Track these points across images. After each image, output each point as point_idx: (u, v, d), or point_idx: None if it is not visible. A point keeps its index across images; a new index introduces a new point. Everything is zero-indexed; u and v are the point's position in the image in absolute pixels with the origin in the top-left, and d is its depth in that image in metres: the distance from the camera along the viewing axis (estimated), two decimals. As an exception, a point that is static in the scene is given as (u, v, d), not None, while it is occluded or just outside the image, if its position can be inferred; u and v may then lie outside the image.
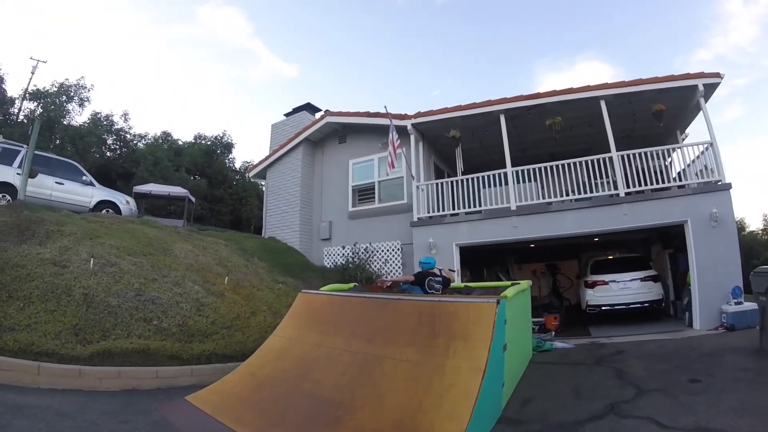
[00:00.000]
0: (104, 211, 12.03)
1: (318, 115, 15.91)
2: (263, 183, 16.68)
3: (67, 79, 28.67)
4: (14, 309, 5.88)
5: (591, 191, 10.26)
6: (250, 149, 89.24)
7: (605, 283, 10.91)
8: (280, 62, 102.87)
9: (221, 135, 34.87)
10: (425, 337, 4.43)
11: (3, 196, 10.92)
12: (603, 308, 10.83)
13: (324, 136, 14.76)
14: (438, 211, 11.74)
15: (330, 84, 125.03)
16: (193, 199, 19.96)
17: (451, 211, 11.52)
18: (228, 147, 35.24)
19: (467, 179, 11.45)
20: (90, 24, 70.26)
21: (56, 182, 11.71)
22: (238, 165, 35.97)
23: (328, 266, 13.00)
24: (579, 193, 10.43)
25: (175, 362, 5.95)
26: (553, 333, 9.90)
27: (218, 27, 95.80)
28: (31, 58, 30.14)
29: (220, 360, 6.31)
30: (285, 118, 17.04)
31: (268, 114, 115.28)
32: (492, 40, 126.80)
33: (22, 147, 11.78)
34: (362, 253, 12.18)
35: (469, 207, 11.30)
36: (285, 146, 15.17)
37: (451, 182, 11.83)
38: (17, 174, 10.91)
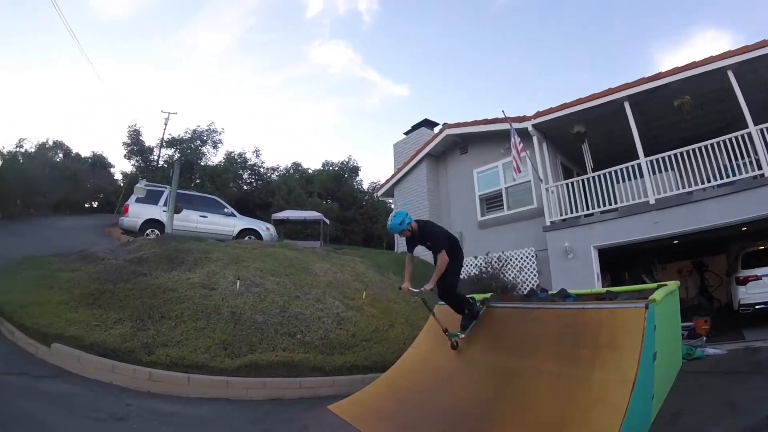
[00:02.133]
0: (247, 238, 14.94)
1: (436, 129, 17.82)
2: (391, 201, 19.10)
3: (198, 125, 35.20)
4: (166, 328, 7.26)
5: (732, 174, 10.03)
6: (375, 170, 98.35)
7: (758, 278, 10.43)
8: (391, 84, 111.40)
9: (347, 160, 40.41)
10: (568, 348, 4.56)
11: (152, 230, 14.40)
12: (757, 307, 10.32)
13: (445, 149, 16.43)
14: (571, 212, 12.17)
15: (441, 97, 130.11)
16: (327, 221, 22.93)
17: (585, 212, 11.86)
18: (354, 170, 40.46)
19: (598, 176, 11.73)
20: (214, 76, 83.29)
21: (200, 215, 15.02)
22: (365, 186, 40.66)
23: (462, 277, 14.20)
24: (720, 178, 10.20)
25: (317, 373, 6.86)
26: (704, 338, 9.59)
27: (329, 62, 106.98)
28: (162, 111, 37.96)
29: (361, 371, 7.14)
30: (405, 136, 19.38)
31: (388, 135, 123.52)
32: (599, 31, 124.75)
33: (165, 188, 15.47)
34: (495, 262, 12.91)
35: (604, 205, 11.59)
36: (408, 164, 17.13)
37: (582, 181, 12.15)
38: (163, 211, 14.42)
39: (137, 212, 14.76)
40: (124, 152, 34.98)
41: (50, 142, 39.83)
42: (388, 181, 18.29)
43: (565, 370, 4.38)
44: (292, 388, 6.51)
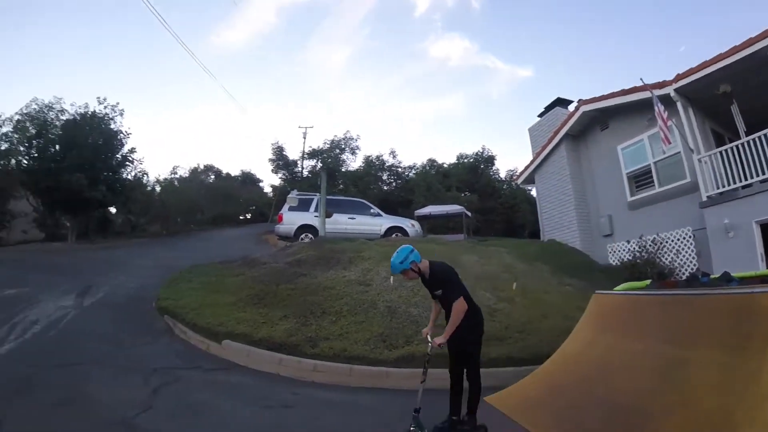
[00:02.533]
0: (394, 236, 15.67)
1: (571, 107, 17.01)
2: (530, 188, 18.85)
3: (335, 135, 37.31)
4: (327, 322, 7.86)
5: None
6: (512, 158, 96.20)
7: None
8: (513, 68, 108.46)
9: (481, 151, 40.66)
10: (735, 337, 4.18)
11: (306, 235, 15.72)
12: None
13: (583, 127, 15.56)
14: (727, 185, 10.92)
15: (571, 72, 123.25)
16: (468, 213, 23.39)
17: (743, 183, 10.56)
18: (490, 160, 40.48)
19: (753, 140, 10.38)
20: (342, 87, 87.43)
21: (349, 218, 16.10)
22: (502, 175, 40.39)
23: (614, 264, 13.37)
24: None
25: None
26: None
27: (447, 55, 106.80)
28: (299, 127, 41.41)
29: (516, 363, 7.05)
30: (538, 119, 18.70)
31: (520, 120, 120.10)
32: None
33: (314, 195, 16.74)
34: (650, 245, 12.09)
35: (763, 173, 10.20)
36: (546, 147, 16.52)
37: (736, 147, 10.81)
38: (314, 216, 15.75)
39: (291, 219, 16.27)
40: (271, 167, 38.28)
41: (201, 166, 44.91)
42: (526, 167, 17.80)
43: (731, 362, 3.98)
44: (448, 379, 6.40)
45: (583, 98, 15.29)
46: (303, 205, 16.58)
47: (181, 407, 5.13)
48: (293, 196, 17.00)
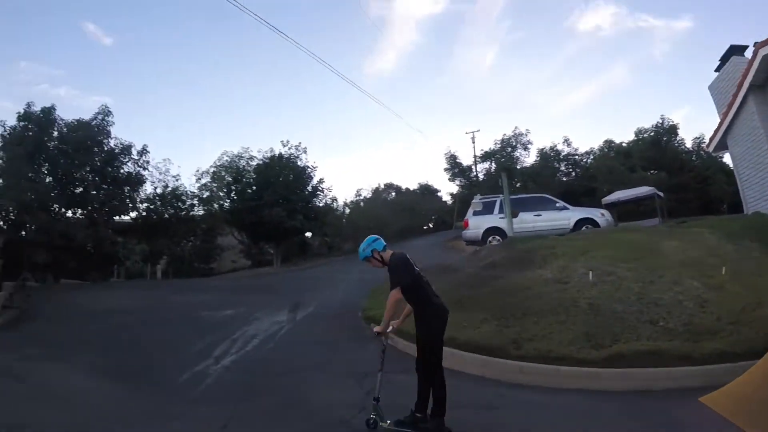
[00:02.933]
0: (584, 228, 14.82)
1: (748, 53, 14.14)
2: (722, 155, 16.83)
3: (504, 133, 36.66)
4: (529, 323, 7.56)
5: None
6: (697, 124, 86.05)
7: None
8: (670, 22, 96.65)
9: (660, 122, 36.56)
10: None
11: (493, 237, 15.48)
12: None
13: None
14: None
15: (736, 12, 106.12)
16: (660, 194, 21.30)
17: None
18: (672, 131, 36.20)
19: None
20: (498, 85, 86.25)
21: (535, 215, 15.54)
22: (689, 145, 36.00)
23: None
24: None
25: (684, 362, 6.32)
26: None
27: (597, 26, 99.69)
28: (466, 133, 43.19)
29: (730, 359, 6.31)
30: (717, 74, 16.06)
31: (697, 78, 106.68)
32: None
33: (497, 197, 16.40)
34: None
35: None
36: (732, 105, 14.27)
37: None
38: (500, 218, 15.51)
39: (477, 224, 16.20)
40: (448, 176, 38.78)
41: (382, 186, 47.24)
42: (715, 132, 15.58)
43: None
44: (660, 379, 6.16)
45: (759, 40, 12.78)
46: (487, 209, 16.42)
47: (393, 408, 5.32)
48: (477, 200, 16.90)
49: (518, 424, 4.99)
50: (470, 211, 16.87)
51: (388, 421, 4.69)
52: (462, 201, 35.02)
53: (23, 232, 18.73)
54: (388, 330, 5.03)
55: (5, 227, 18.11)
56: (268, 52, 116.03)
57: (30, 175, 18.44)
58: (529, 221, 15.49)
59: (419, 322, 4.85)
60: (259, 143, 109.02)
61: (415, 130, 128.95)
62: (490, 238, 15.64)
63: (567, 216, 15.62)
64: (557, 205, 16.03)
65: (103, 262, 21.41)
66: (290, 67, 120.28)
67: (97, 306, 12.93)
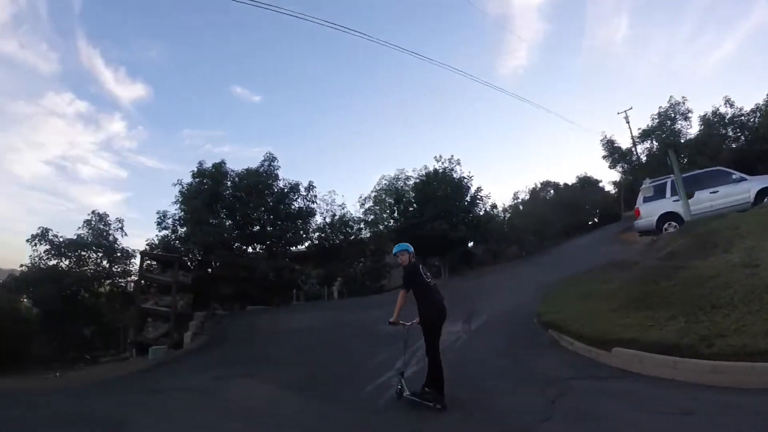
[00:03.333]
0: (766, 200, 13.10)
1: None
2: None
3: (660, 107, 33.36)
4: (720, 316, 6.74)
5: None
6: None
7: None
8: None
9: None
10: None
11: (669, 224, 14.18)
12: None
13: None
14: None
15: None
16: None
17: None
18: None
19: None
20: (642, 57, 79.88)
21: (710, 192, 13.95)
22: None
23: None
24: None
25: None
26: None
27: None
28: (617, 113, 39.80)
29: None
30: None
31: None
32: None
33: (667, 178, 15.08)
34: None
35: None
36: None
37: None
38: (674, 201, 14.17)
39: (650, 211, 15.00)
40: (607, 164, 36.23)
41: (538, 185, 45.53)
42: None
43: None
44: None
45: None
46: (658, 192, 15.06)
47: (579, 416, 5.18)
48: (647, 185, 15.61)
49: (714, 430, 4.51)
50: (640, 197, 15.66)
51: (407, 393, 6.48)
52: (627, 188, 32.67)
53: (209, 269, 21.13)
54: (408, 323, 6.93)
55: (193, 266, 20.41)
56: (405, 75, 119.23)
57: (211, 221, 21.01)
58: (705, 200, 13.93)
59: (419, 314, 6.67)
60: (412, 163, 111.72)
61: (566, 120, 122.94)
62: (666, 225, 14.33)
63: (746, 188, 13.70)
64: (733, 177, 14.11)
65: (283, 288, 23.45)
66: (430, 86, 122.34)
67: (280, 327, 14.05)
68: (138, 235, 45.80)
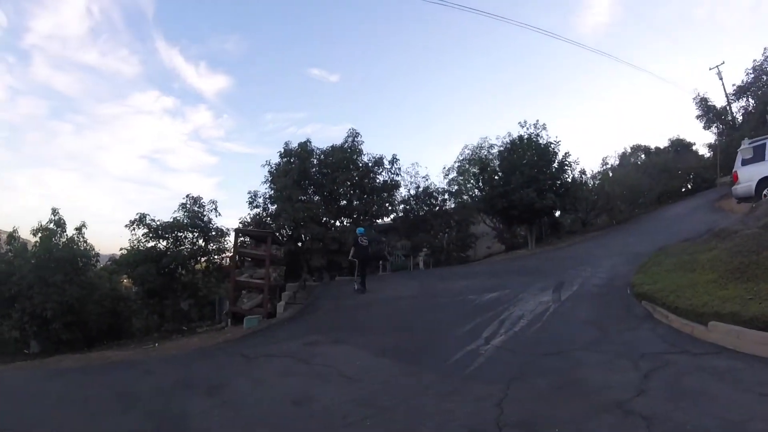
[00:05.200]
0: None
1: None
2: None
3: (754, 60, 29.96)
4: None
5: None
6: None
7: None
8: None
9: None
10: None
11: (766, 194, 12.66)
12: None
13: None
14: None
15: None
16: None
17: None
18: None
19: None
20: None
21: None
22: None
23: None
24: None
25: None
26: None
27: None
28: (709, 69, 35.87)
29: None
30: None
31: None
32: None
33: (767, 138, 13.71)
34: None
35: None
36: None
37: None
38: None
39: (749, 175, 13.70)
40: (702, 124, 33.75)
41: (628, 149, 42.85)
42: None
43: None
44: None
45: None
46: (758, 155, 13.59)
47: (674, 392, 4.98)
48: (746, 145, 14.19)
49: None
50: (738, 160, 14.37)
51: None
52: (723, 152, 30.24)
53: (300, 243, 21.92)
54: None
55: (285, 240, 21.06)
56: (484, 40, 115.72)
57: (300, 197, 21.74)
58: None
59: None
60: (496, 130, 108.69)
61: (654, 77, 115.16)
62: (766, 191, 12.99)
63: None
64: None
65: (372, 259, 23.60)
66: (510, 49, 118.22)
67: (370, 297, 14.26)
68: (231, 216, 47.98)
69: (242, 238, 18.12)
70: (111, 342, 17.51)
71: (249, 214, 22.96)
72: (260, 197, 22.91)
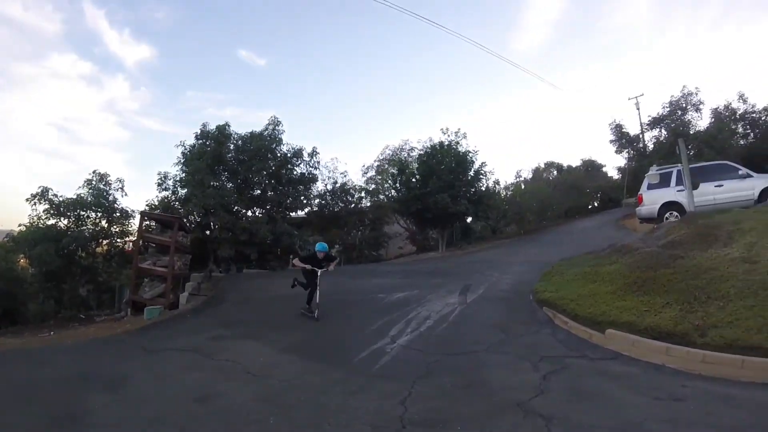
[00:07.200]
0: None
1: None
2: None
3: (672, 96, 32.81)
4: (714, 308, 6.87)
5: None
6: None
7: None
8: None
9: None
10: None
11: (670, 213, 14.23)
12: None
13: None
14: None
15: None
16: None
17: None
18: None
19: None
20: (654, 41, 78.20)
21: (716, 186, 13.86)
22: None
23: None
24: None
25: None
26: None
27: None
28: (629, 99, 38.48)
29: None
30: None
31: None
32: None
33: (673, 167, 14.99)
34: None
35: None
36: None
37: None
38: (677, 191, 14.15)
39: (653, 198, 15.01)
40: (614, 148, 36.06)
41: (542, 165, 45.53)
42: None
43: None
44: None
45: None
46: (663, 181, 15.02)
47: (572, 393, 5.30)
48: (653, 172, 15.58)
49: (702, 417, 4.60)
50: (644, 184, 15.66)
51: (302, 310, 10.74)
52: (631, 175, 32.44)
53: (208, 232, 20.94)
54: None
55: (192, 228, 20.15)
56: (417, 43, 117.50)
57: (212, 183, 20.67)
58: (709, 193, 13.84)
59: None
60: (418, 134, 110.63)
61: (575, 102, 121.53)
62: (668, 214, 14.40)
63: (751, 185, 13.69)
64: (740, 172, 14.07)
65: (281, 252, 23.46)
66: (442, 56, 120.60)
67: (277, 291, 13.92)
68: (138, 197, 45.64)
69: (148, 222, 17.15)
70: (4, 328, 16.04)
71: (157, 196, 21.67)
72: (170, 179, 21.47)
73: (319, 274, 10.52)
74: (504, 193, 32.39)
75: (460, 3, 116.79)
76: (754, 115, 30.22)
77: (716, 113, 30.84)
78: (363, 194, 27.61)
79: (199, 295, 14.86)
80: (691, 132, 30.06)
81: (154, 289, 14.53)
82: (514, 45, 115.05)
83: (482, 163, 26.08)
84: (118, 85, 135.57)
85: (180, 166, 21.29)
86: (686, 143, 28.10)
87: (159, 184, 21.29)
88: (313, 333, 9.51)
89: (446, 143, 26.04)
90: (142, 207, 20.88)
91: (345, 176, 26.80)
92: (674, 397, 5.11)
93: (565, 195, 35.91)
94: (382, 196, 28.17)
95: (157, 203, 21.36)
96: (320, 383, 6.34)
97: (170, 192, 21.42)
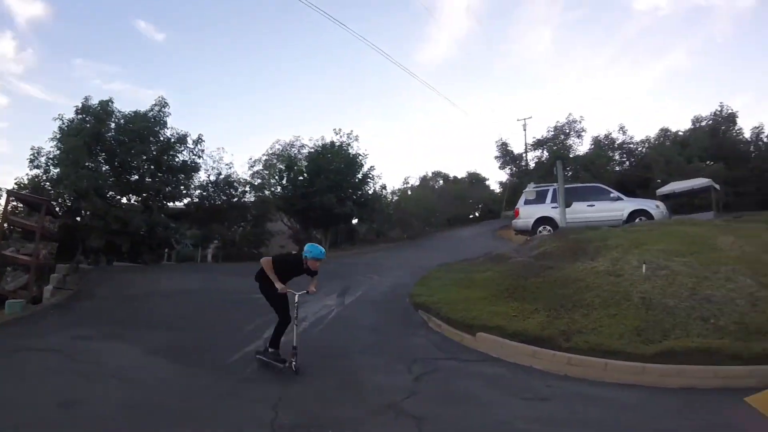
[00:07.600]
0: (638, 220, 14.21)
1: None
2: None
3: (557, 121, 35.42)
4: (579, 315, 7.48)
5: None
6: (758, 112, 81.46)
7: None
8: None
9: (719, 109, 33.98)
10: None
11: (544, 227, 15.10)
12: None
13: None
14: None
15: None
16: (717, 186, 20.17)
17: None
18: (730, 119, 33.65)
19: None
20: (554, 71, 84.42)
21: (588, 205, 14.93)
22: (747, 135, 33.46)
23: None
24: None
25: (735, 362, 6.17)
26: None
27: (656, 4, 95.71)
28: (517, 120, 42.45)
29: None
30: None
31: (760, 62, 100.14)
32: None
33: (550, 186, 16.05)
34: None
35: None
36: None
37: None
38: (552, 207, 15.09)
39: (529, 213, 15.81)
40: (498, 164, 38.13)
41: (429, 174, 47.27)
42: None
43: None
44: (707, 378, 6.09)
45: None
46: (540, 198, 16.00)
47: (443, 394, 5.39)
48: (530, 189, 16.54)
49: (568, 415, 4.90)
50: (522, 199, 16.53)
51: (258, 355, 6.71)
52: (511, 190, 34.37)
53: (78, 218, 19.12)
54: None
55: (61, 213, 18.38)
56: (317, 40, 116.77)
57: (88, 164, 18.79)
58: (581, 211, 14.89)
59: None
60: (311, 132, 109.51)
61: (466, 117, 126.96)
62: (541, 228, 15.26)
63: (621, 207, 14.97)
64: (611, 195, 15.37)
65: (156, 246, 21.82)
66: (341, 55, 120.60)
67: (150, 288, 13.10)
68: (8, 173, 40.85)
69: (14, 203, 15.31)
70: None
71: (28, 174, 19.21)
72: (44, 156, 19.07)
73: (297, 298, 6.67)
74: (391, 197, 32.82)
75: (369, 8, 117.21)
76: (631, 145, 34.10)
77: (596, 140, 34.28)
78: (248, 188, 26.51)
79: (65, 289, 13.41)
80: (572, 155, 32.90)
81: (16, 280, 13.00)
82: (417, 56, 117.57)
83: (371, 167, 26.54)
84: (4, 43, 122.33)
85: (56, 142, 19.01)
86: (565, 165, 30.32)
87: (31, 161, 18.82)
88: (185, 333, 8.80)
89: (338, 144, 26.09)
90: (11, 186, 18.46)
91: (230, 168, 25.20)
92: (541, 397, 5.36)
93: (449, 204, 37.33)
94: (267, 192, 27.30)
95: (26, 182, 19.00)
96: (190, 386, 5.93)
97: (42, 170, 19.15)
